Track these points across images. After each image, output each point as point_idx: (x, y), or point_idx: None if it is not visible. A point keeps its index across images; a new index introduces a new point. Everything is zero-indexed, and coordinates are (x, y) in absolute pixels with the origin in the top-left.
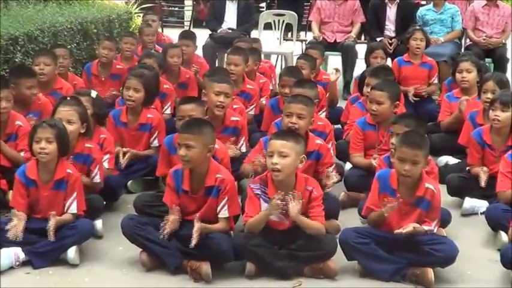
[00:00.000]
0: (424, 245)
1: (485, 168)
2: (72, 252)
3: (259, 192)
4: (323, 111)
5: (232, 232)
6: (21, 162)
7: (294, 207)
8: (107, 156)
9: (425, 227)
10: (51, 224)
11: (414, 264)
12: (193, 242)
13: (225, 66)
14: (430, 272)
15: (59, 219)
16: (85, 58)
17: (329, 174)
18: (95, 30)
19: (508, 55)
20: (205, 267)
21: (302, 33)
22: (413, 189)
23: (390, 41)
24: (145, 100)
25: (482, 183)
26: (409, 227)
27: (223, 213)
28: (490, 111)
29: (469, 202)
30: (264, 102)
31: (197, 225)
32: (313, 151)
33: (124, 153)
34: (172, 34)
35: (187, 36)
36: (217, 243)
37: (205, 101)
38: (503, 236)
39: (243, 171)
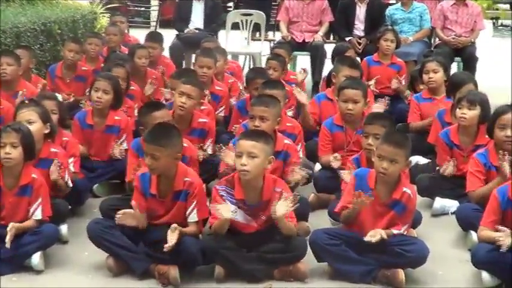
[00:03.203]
0: (394, 246)
1: (453, 159)
2: (36, 258)
3: (224, 194)
4: (290, 110)
5: (200, 235)
6: None
7: (282, 208)
8: (72, 159)
9: (395, 231)
10: (10, 233)
11: (385, 265)
12: (168, 246)
13: (192, 67)
14: (401, 273)
15: (19, 227)
16: (49, 59)
17: (295, 170)
18: (59, 31)
19: (477, 54)
20: (174, 271)
21: (270, 33)
22: (391, 191)
23: (359, 41)
24: (114, 102)
25: (447, 172)
26: (377, 236)
27: (193, 217)
28: (457, 109)
29: (440, 202)
30: (234, 102)
31: (176, 230)
32: (281, 151)
33: None
34: (138, 35)
35: (154, 38)
36: (186, 246)
37: (165, 105)
38: (474, 236)
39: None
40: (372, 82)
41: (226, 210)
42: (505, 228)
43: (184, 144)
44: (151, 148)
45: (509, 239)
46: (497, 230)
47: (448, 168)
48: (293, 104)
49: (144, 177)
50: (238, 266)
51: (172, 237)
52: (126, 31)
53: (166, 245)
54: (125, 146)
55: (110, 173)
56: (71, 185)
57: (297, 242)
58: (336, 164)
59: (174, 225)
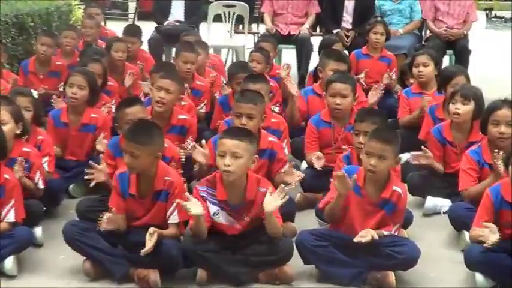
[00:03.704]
0: (384, 247)
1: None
2: (9, 263)
3: (205, 195)
4: (277, 106)
5: (181, 237)
6: None
7: (272, 202)
8: (46, 158)
9: (385, 232)
10: None
11: (375, 267)
12: (146, 250)
13: (172, 61)
14: (392, 276)
15: None
16: (21, 54)
17: (291, 171)
18: (32, 24)
19: (470, 47)
20: (154, 275)
21: (254, 26)
22: (380, 189)
23: (347, 33)
24: (90, 98)
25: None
26: (367, 236)
27: (173, 218)
28: (450, 104)
29: (431, 201)
30: (217, 96)
31: (155, 234)
32: (265, 149)
33: None
34: (115, 28)
35: (133, 32)
36: (166, 249)
37: (140, 101)
38: (467, 236)
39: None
40: (361, 75)
41: (195, 207)
42: (492, 225)
43: (165, 145)
44: (131, 146)
45: (495, 235)
46: (484, 227)
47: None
48: (279, 100)
49: (122, 177)
50: (222, 269)
51: (150, 241)
52: (102, 24)
53: (143, 250)
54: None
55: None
56: (41, 186)
57: (283, 243)
58: (318, 164)
59: (152, 228)
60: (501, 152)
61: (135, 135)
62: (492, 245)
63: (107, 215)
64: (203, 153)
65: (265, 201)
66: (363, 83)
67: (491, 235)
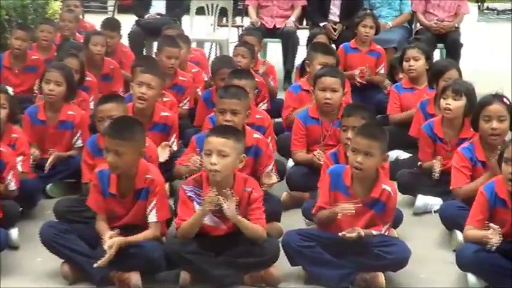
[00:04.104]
0: (373, 248)
1: (438, 157)
2: None
3: (193, 195)
4: (264, 103)
5: (164, 238)
6: None
7: (230, 206)
8: (21, 158)
9: (374, 232)
10: None
11: (363, 268)
12: (100, 263)
13: (156, 57)
14: (381, 277)
15: None
16: None
17: (269, 173)
18: (7, 17)
19: (462, 40)
20: (135, 278)
21: (238, 19)
22: (369, 188)
23: (335, 26)
24: (67, 95)
25: (436, 175)
26: (353, 232)
27: (151, 217)
28: (441, 100)
29: (422, 200)
30: (199, 93)
31: (113, 249)
32: (251, 146)
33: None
34: (94, 21)
35: (111, 26)
36: (148, 251)
37: (125, 97)
38: (459, 236)
39: (177, 173)
40: (357, 72)
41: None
42: (495, 226)
43: (144, 150)
44: (114, 143)
45: (497, 237)
46: (485, 228)
47: (435, 168)
48: (266, 96)
49: (102, 175)
50: (206, 271)
51: (108, 253)
52: (80, 16)
53: (96, 263)
54: (79, 143)
55: (64, 171)
56: (13, 187)
57: (269, 244)
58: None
59: (112, 240)
60: (496, 150)
61: (119, 132)
62: (495, 246)
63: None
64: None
65: (225, 207)
66: (358, 81)
67: (495, 236)
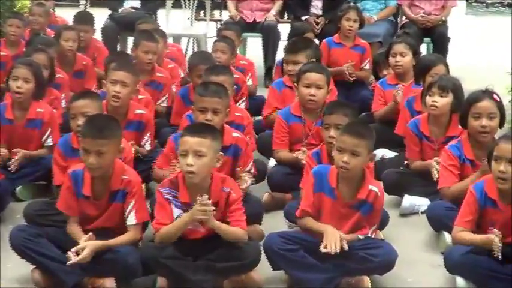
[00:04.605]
0: (358, 250)
1: (436, 158)
2: None
3: (170, 197)
4: (243, 101)
5: (140, 242)
6: None
7: (201, 210)
8: None
9: (360, 236)
10: None
11: (348, 272)
12: (72, 262)
13: (130, 51)
14: (367, 281)
15: None
16: None
17: (242, 176)
18: None
19: (449, 34)
20: (109, 284)
21: (216, 12)
22: (355, 189)
23: (317, 20)
24: (36, 92)
25: (435, 177)
26: (336, 247)
27: (130, 219)
28: (427, 96)
29: (409, 200)
30: (174, 89)
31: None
32: (230, 146)
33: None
34: (65, 14)
35: (85, 20)
36: (123, 256)
37: (100, 94)
38: (447, 238)
39: (157, 177)
40: (346, 68)
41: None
42: (495, 230)
43: (122, 145)
44: (96, 144)
45: (497, 242)
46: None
47: (434, 170)
48: (245, 93)
49: (75, 176)
50: (183, 276)
51: (82, 256)
52: (51, 10)
53: (71, 260)
54: (49, 142)
55: (34, 173)
56: None
57: (250, 248)
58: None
59: (86, 243)
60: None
61: (100, 131)
62: (499, 251)
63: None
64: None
65: (195, 211)
66: (348, 78)
67: (495, 240)
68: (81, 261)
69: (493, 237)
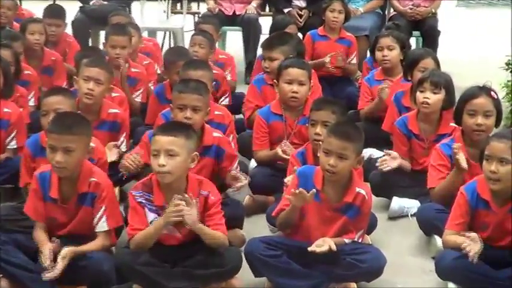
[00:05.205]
0: (345, 256)
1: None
2: None
3: (143, 201)
4: (225, 97)
5: (113, 249)
6: None
7: (190, 213)
8: None
9: (347, 240)
10: None
11: (335, 278)
12: (55, 272)
13: (101, 47)
14: (354, 287)
15: None
16: None
17: (235, 175)
18: None
19: (439, 27)
20: None
21: (194, 5)
22: (342, 192)
23: (300, 12)
24: (3, 90)
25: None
26: (324, 246)
27: (102, 225)
28: (418, 92)
29: (397, 202)
30: (152, 87)
31: (65, 259)
32: (210, 146)
33: None
34: (33, 8)
35: (56, 14)
36: (96, 263)
37: (72, 91)
38: (438, 242)
39: (120, 168)
40: (327, 59)
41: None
42: (473, 234)
43: (92, 145)
44: (63, 140)
45: (477, 245)
46: (463, 234)
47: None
48: (226, 89)
49: (43, 178)
50: (160, 284)
51: (59, 265)
52: (18, 3)
53: (46, 275)
54: (13, 144)
55: (0, 176)
56: None
57: (230, 253)
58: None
59: (66, 250)
60: (459, 144)
61: (67, 126)
62: (476, 257)
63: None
64: (133, 160)
65: (184, 213)
66: (330, 68)
67: (475, 245)
68: (57, 273)
69: (468, 242)
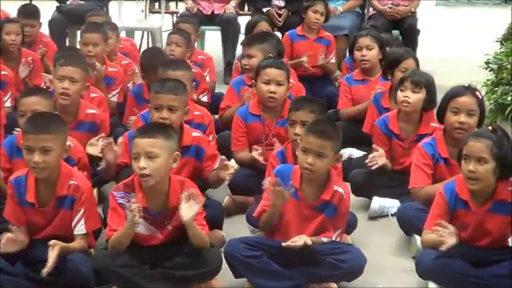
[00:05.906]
0: (325, 256)
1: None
2: None
3: (124, 202)
4: (204, 95)
5: (92, 251)
6: None
7: (190, 210)
8: None
9: (324, 239)
10: None
11: (315, 279)
12: (47, 269)
13: (78, 46)
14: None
15: None
16: None
17: (223, 165)
18: None
19: (419, 26)
20: None
21: (172, 4)
22: (319, 190)
23: (279, 12)
24: None
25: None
26: (299, 241)
27: (80, 228)
28: (399, 92)
29: (378, 202)
30: (130, 87)
31: (55, 249)
32: (190, 146)
33: None
34: (7, 7)
35: (31, 14)
36: (75, 265)
37: (50, 92)
38: (418, 241)
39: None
40: (304, 59)
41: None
42: (450, 226)
43: (70, 143)
44: (40, 139)
45: (452, 238)
46: (439, 225)
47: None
48: (205, 88)
49: (18, 182)
50: (140, 285)
51: (51, 256)
52: None
53: (44, 269)
54: None
55: None
56: None
57: (210, 255)
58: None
59: (53, 241)
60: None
61: (43, 126)
62: (447, 247)
63: (7, 235)
64: (114, 152)
65: (181, 209)
66: (308, 68)
67: (449, 237)
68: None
69: (446, 233)
